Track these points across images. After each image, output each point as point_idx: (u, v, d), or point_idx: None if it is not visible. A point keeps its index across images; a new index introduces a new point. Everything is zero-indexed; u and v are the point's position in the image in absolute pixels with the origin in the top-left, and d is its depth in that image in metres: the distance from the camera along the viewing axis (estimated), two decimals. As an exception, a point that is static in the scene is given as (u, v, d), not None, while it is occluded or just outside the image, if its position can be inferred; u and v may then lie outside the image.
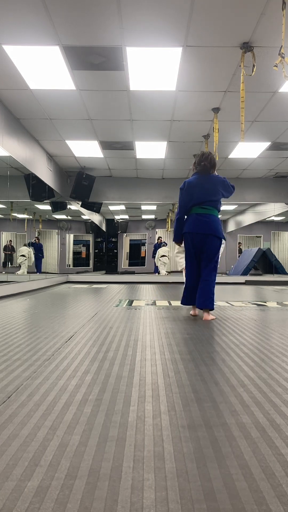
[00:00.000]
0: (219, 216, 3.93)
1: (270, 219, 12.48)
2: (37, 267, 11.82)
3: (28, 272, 10.61)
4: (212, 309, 3.51)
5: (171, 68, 4.56)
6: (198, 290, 3.55)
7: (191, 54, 4.27)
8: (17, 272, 10.66)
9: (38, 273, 11.56)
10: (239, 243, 15.48)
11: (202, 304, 3.49)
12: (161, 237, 14.31)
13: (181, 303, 3.72)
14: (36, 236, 12.15)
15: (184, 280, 3.84)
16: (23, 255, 10.88)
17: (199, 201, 3.53)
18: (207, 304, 3.48)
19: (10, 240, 11.41)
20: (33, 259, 11.32)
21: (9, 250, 11.33)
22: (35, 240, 12.04)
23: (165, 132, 6.77)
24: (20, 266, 10.84)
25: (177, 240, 3.70)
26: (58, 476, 0.93)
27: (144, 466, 0.98)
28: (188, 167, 8.90)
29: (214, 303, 3.57)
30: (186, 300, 3.66)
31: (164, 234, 14.99)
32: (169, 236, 14.51)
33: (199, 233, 3.50)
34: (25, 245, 11.25)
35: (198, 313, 3.69)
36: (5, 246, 11.33)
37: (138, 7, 3.51)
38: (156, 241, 14.36)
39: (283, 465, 0.99)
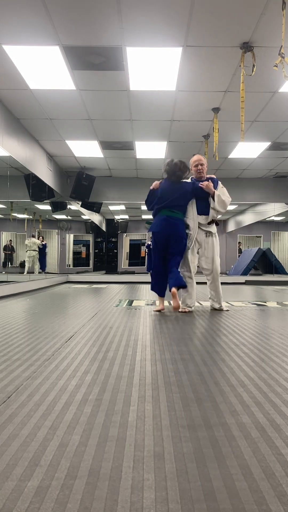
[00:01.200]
0: (219, 216, 4.24)
1: (270, 219, 12.47)
2: (43, 265, 11.78)
3: (28, 272, 10.62)
4: (185, 285, 3.89)
5: (171, 68, 4.56)
6: (169, 276, 3.90)
7: (191, 54, 4.27)
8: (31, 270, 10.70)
9: (43, 272, 11.56)
10: (239, 243, 15.48)
11: (178, 283, 3.80)
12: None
13: (152, 290, 4.13)
14: (41, 236, 12.11)
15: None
16: (34, 250, 11.05)
17: (168, 206, 3.95)
18: (181, 281, 3.82)
19: (10, 240, 11.41)
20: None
21: (9, 250, 11.33)
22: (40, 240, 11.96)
23: (165, 132, 6.77)
24: (25, 262, 10.93)
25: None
26: (58, 476, 0.93)
27: (144, 466, 0.98)
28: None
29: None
30: (158, 288, 4.07)
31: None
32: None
33: (164, 234, 3.91)
34: (33, 236, 11.31)
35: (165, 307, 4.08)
36: (5, 246, 11.33)
37: (138, 7, 3.51)
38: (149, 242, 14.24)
39: (283, 465, 0.99)
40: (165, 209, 3.95)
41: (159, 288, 4.07)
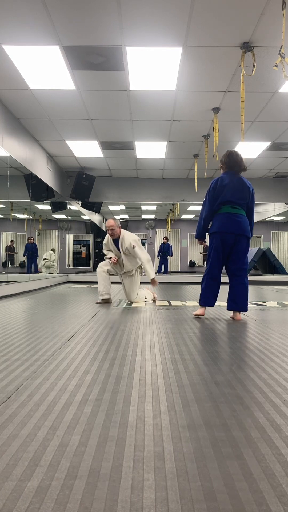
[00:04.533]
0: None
1: (270, 219, 12.47)
2: (31, 266, 11.74)
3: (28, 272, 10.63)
4: (246, 311, 3.55)
5: (171, 68, 4.56)
6: (232, 292, 3.53)
7: (191, 54, 4.27)
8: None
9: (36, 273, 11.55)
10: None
11: (241, 308, 3.51)
12: (167, 237, 13.97)
13: (201, 304, 3.60)
14: (30, 236, 12.01)
15: None
16: (45, 259, 11.84)
17: (230, 201, 3.44)
18: (245, 307, 3.51)
19: (12, 241, 11.41)
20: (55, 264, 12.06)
21: (12, 250, 11.34)
22: (29, 240, 11.84)
23: (165, 132, 6.77)
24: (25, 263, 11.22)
25: (200, 238, 3.68)
26: (58, 476, 0.93)
27: (144, 466, 0.98)
28: (188, 167, 8.90)
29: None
30: (205, 301, 3.58)
31: (164, 234, 14.93)
32: (169, 235, 14.46)
33: (231, 233, 3.42)
34: (53, 249, 12.36)
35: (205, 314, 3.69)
36: (8, 247, 11.34)
37: (138, 7, 3.51)
38: (162, 241, 14.01)
39: (283, 465, 0.99)
40: (226, 206, 3.44)
41: (213, 298, 3.55)
